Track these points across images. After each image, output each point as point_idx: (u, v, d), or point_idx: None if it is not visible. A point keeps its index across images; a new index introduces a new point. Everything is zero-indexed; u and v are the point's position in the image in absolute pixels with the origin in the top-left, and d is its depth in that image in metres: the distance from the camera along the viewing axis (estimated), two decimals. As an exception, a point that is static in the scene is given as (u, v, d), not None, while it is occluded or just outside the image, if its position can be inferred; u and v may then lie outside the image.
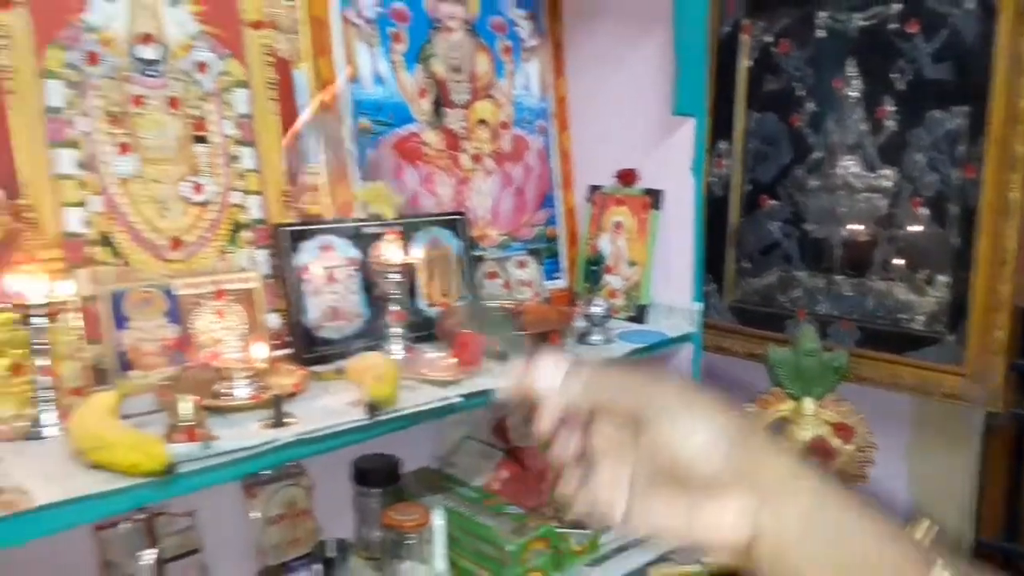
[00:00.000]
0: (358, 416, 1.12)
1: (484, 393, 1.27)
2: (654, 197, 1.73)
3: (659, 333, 1.63)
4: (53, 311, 1.05)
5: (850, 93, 1.73)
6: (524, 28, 1.82)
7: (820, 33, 1.77)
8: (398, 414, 1.15)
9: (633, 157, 1.79)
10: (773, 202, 1.88)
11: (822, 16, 1.77)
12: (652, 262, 1.71)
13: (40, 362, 1.04)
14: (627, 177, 1.79)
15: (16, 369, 1.10)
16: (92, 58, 1.20)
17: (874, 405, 1.68)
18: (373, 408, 1.12)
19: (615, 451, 0.56)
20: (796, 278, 1.85)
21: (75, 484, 0.90)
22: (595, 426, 0.57)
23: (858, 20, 1.71)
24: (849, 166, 1.75)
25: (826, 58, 1.76)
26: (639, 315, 1.71)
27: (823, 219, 1.80)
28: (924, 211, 1.63)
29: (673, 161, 1.70)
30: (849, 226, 1.76)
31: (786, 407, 1.71)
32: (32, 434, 1.04)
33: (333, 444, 1.10)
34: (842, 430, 1.67)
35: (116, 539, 1.29)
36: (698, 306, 1.69)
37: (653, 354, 1.61)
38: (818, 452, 1.63)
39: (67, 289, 1.08)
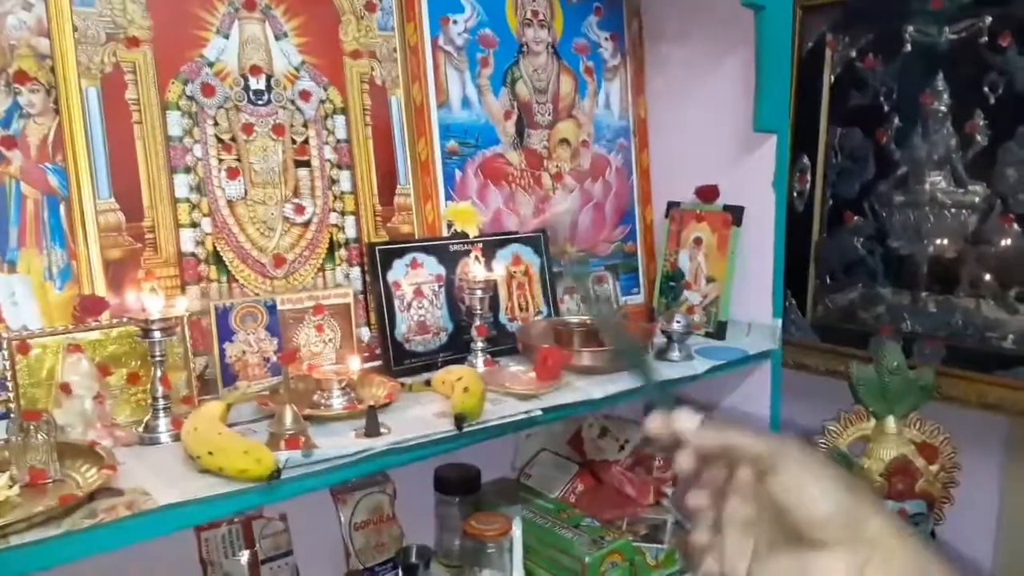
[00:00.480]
0: (446, 427, 1.18)
1: (563, 407, 1.31)
2: (734, 213, 1.73)
3: (738, 350, 1.63)
4: (169, 326, 1.14)
5: (938, 107, 1.71)
6: (606, 49, 1.86)
7: (907, 47, 1.75)
8: (483, 426, 1.21)
9: (713, 173, 1.81)
10: (857, 218, 1.86)
11: (910, 30, 1.75)
12: (732, 278, 1.72)
13: (157, 373, 1.14)
14: (707, 193, 1.80)
15: (133, 379, 1.20)
16: (207, 90, 1.31)
17: (965, 426, 1.65)
18: (461, 420, 1.17)
19: (743, 521, 0.63)
20: (880, 295, 1.83)
21: (190, 487, 0.98)
22: (728, 497, 0.64)
23: (947, 33, 1.69)
24: (937, 181, 1.72)
25: (913, 72, 1.74)
26: (718, 331, 1.72)
27: (908, 235, 1.78)
28: (1016, 227, 1.59)
29: (754, 177, 1.70)
30: (936, 242, 1.73)
31: (868, 426, 1.69)
32: (148, 439, 1.13)
33: (423, 453, 1.16)
34: (926, 450, 1.64)
35: (216, 539, 1.39)
36: (778, 323, 1.69)
37: (732, 371, 1.62)
38: (901, 472, 1.61)
39: (181, 305, 1.17)
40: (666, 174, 1.94)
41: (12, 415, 1.10)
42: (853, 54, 1.83)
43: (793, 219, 1.91)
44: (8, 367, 1.10)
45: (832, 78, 1.89)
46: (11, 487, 0.95)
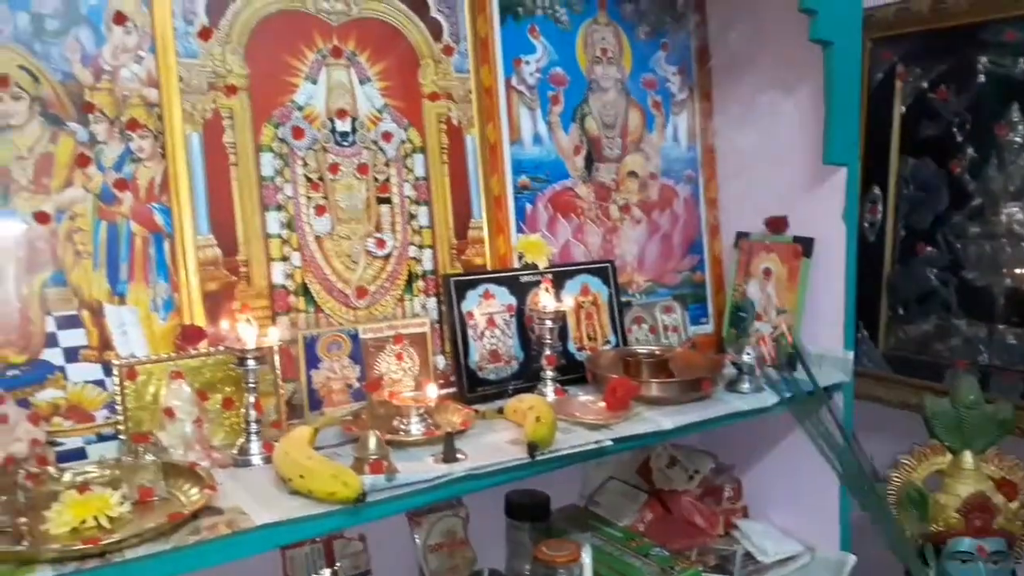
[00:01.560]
0: (520, 455, 1.22)
1: (634, 438, 1.34)
2: (804, 245, 1.74)
3: (806, 381, 1.63)
4: (263, 354, 1.22)
5: (1014, 138, 1.69)
6: (674, 83, 1.90)
7: (981, 78, 1.74)
8: (556, 455, 1.25)
9: (781, 204, 1.81)
10: (930, 249, 1.84)
11: (983, 61, 1.73)
12: (802, 309, 1.72)
13: (251, 398, 1.22)
14: (777, 224, 1.81)
15: (227, 404, 1.28)
16: (298, 133, 1.39)
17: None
18: (533, 448, 1.21)
19: None
20: (955, 326, 1.80)
21: (282, 508, 1.05)
22: None
23: (1022, 64, 1.67)
24: (1013, 212, 1.70)
25: (988, 103, 1.72)
26: (789, 363, 1.71)
27: (984, 267, 1.75)
28: (1098, 260, 1.56)
29: (823, 209, 1.71)
30: (1014, 273, 1.70)
31: (943, 460, 1.66)
32: (241, 461, 1.21)
33: (498, 480, 1.20)
34: (1005, 486, 1.60)
35: (300, 558, 1.45)
36: (850, 354, 1.68)
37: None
38: (978, 508, 1.57)
39: (274, 335, 1.25)
40: (734, 205, 1.95)
41: (121, 436, 1.19)
42: (925, 85, 1.82)
43: (864, 250, 1.90)
44: (119, 391, 1.19)
45: (903, 109, 1.88)
46: (123, 504, 1.03)
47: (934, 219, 1.83)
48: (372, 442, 1.15)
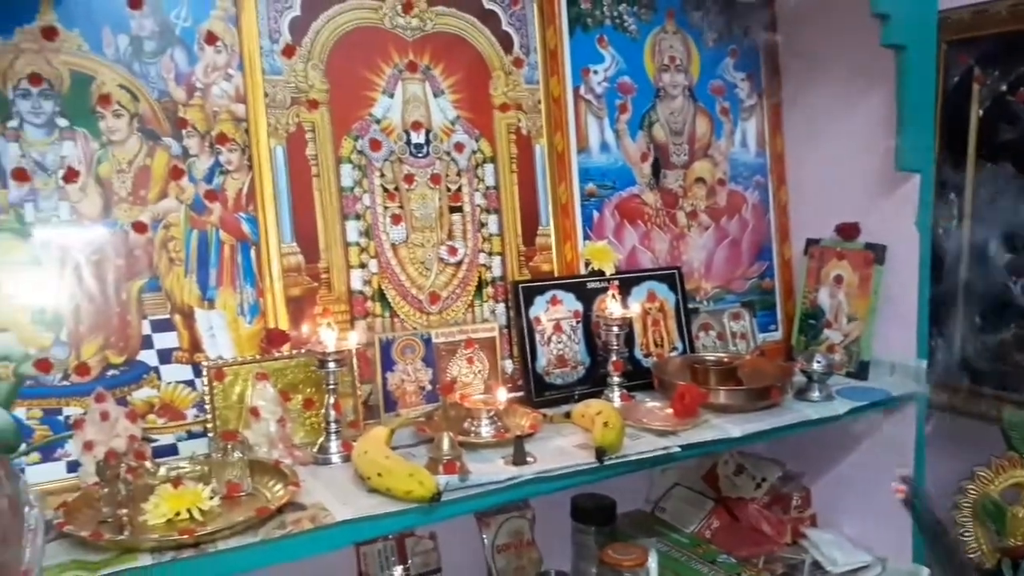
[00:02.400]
0: (587, 459, 1.24)
1: (701, 444, 1.35)
2: (876, 252, 1.71)
3: (881, 391, 1.61)
4: (343, 357, 1.27)
5: (1100, 142, 1.63)
6: (743, 89, 1.89)
7: (1064, 80, 1.69)
8: (623, 460, 1.26)
9: (853, 211, 1.79)
10: (1008, 255, 1.79)
11: (1066, 63, 1.68)
12: (874, 317, 1.70)
13: (331, 400, 1.27)
14: (848, 231, 1.79)
15: (308, 404, 1.34)
16: (375, 145, 1.45)
17: None
18: (601, 453, 1.23)
19: None
20: (1035, 336, 1.75)
21: (361, 505, 1.09)
22: None
23: (1109, 65, 1.62)
24: (1097, 219, 1.64)
25: (1072, 106, 1.67)
26: (860, 371, 1.70)
27: (1068, 275, 1.70)
28: None
29: (896, 215, 1.68)
30: (1100, 282, 1.64)
31: (1022, 473, 1.62)
32: (321, 460, 1.26)
33: (566, 483, 1.23)
34: (1089, 502, 1.55)
35: (374, 554, 1.50)
36: (923, 363, 1.65)
37: (875, 412, 1.60)
38: (1061, 525, 1.53)
39: (353, 339, 1.31)
40: (805, 211, 1.93)
41: (209, 434, 1.26)
42: (1003, 88, 1.78)
43: (939, 257, 1.86)
44: (207, 391, 1.26)
45: (980, 112, 1.83)
46: (213, 498, 1.10)
47: (1012, 225, 1.78)
48: (446, 443, 1.19)
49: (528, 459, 1.24)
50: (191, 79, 1.30)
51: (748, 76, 1.91)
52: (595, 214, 1.70)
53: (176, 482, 1.11)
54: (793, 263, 1.95)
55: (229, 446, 1.14)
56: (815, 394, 1.55)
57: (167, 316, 1.27)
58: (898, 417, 1.67)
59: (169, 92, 1.28)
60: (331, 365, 1.26)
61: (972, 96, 1.83)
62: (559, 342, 1.59)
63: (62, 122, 1.21)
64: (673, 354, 1.71)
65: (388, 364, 1.42)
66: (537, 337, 1.57)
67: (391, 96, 1.47)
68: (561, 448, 1.31)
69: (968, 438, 1.75)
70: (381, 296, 1.45)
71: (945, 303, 1.87)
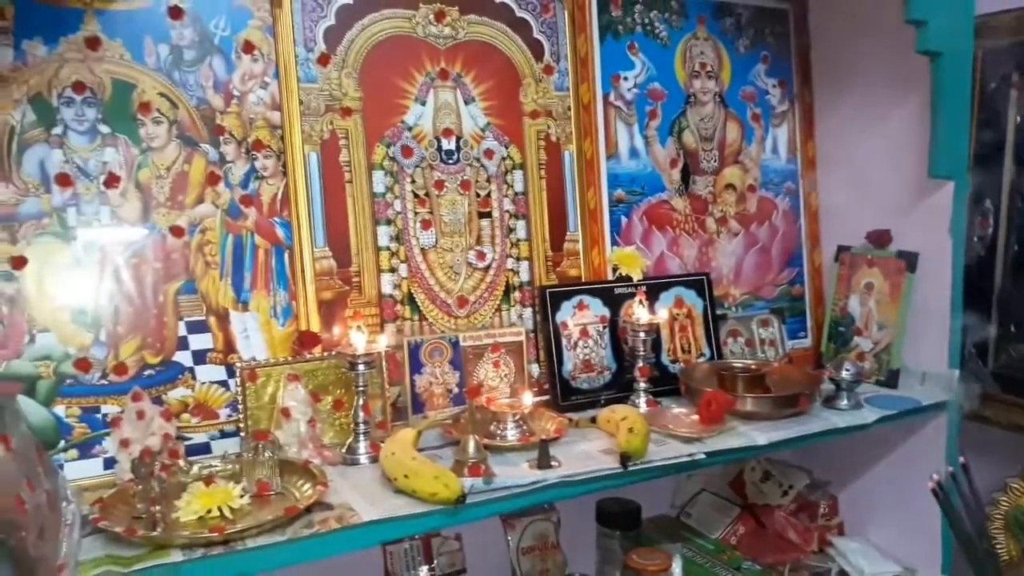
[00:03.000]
0: (612, 464, 1.25)
1: (727, 452, 1.35)
2: (908, 259, 1.70)
3: (911, 400, 1.60)
4: (372, 360, 1.29)
5: None
6: (774, 95, 1.89)
7: (1106, 86, 1.66)
8: (648, 466, 1.27)
9: (885, 218, 1.77)
10: (1046, 265, 1.76)
11: (1107, 69, 1.65)
12: (905, 325, 1.68)
13: (360, 402, 1.30)
14: (880, 238, 1.77)
15: (338, 405, 1.37)
16: (407, 151, 1.48)
17: None
18: (626, 459, 1.24)
19: None
20: (1072, 347, 1.72)
21: (388, 506, 1.12)
22: None
23: None
24: None
25: (1113, 113, 1.64)
26: (890, 380, 1.68)
27: (1105, 284, 1.66)
28: None
29: (929, 223, 1.66)
30: None
31: (1057, 487, 1.60)
32: (350, 460, 1.29)
33: (591, 488, 1.24)
34: (1125, 517, 1.52)
35: (399, 553, 1.52)
36: (955, 372, 1.64)
37: (905, 422, 1.58)
38: (1097, 540, 1.51)
39: (382, 342, 1.33)
40: (836, 218, 1.92)
41: (242, 433, 1.29)
42: (1043, 94, 1.75)
43: (973, 264, 1.84)
44: (240, 391, 1.29)
45: (1018, 119, 1.80)
46: (243, 496, 1.13)
47: (1051, 234, 1.75)
48: (471, 446, 1.20)
49: (553, 463, 1.25)
50: (228, 87, 1.33)
51: (780, 82, 1.90)
52: (623, 220, 1.70)
53: (208, 480, 1.14)
54: (823, 270, 1.94)
55: (260, 446, 1.17)
56: (843, 402, 1.54)
57: (202, 318, 1.31)
58: (929, 426, 1.65)
59: (207, 100, 1.32)
60: (360, 367, 1.28)
61: (1010, 102, 1.80)
62: (585, 347, 1.60)
63: (104, 129, 1.25)
64: (700, 360, 1.71)
65: (416, 367, 1.44)
66: (564, 342, 1.58)
67: (423, 103, 1.49)
68: (586, 452, 1.32)
69: (1001, 450, 1.73)
70: (411, 300, 1.48)
71: (978, 311, 1.85)
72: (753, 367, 1.61)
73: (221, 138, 1.32)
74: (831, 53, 1.90)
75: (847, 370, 1.56)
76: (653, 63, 1.73)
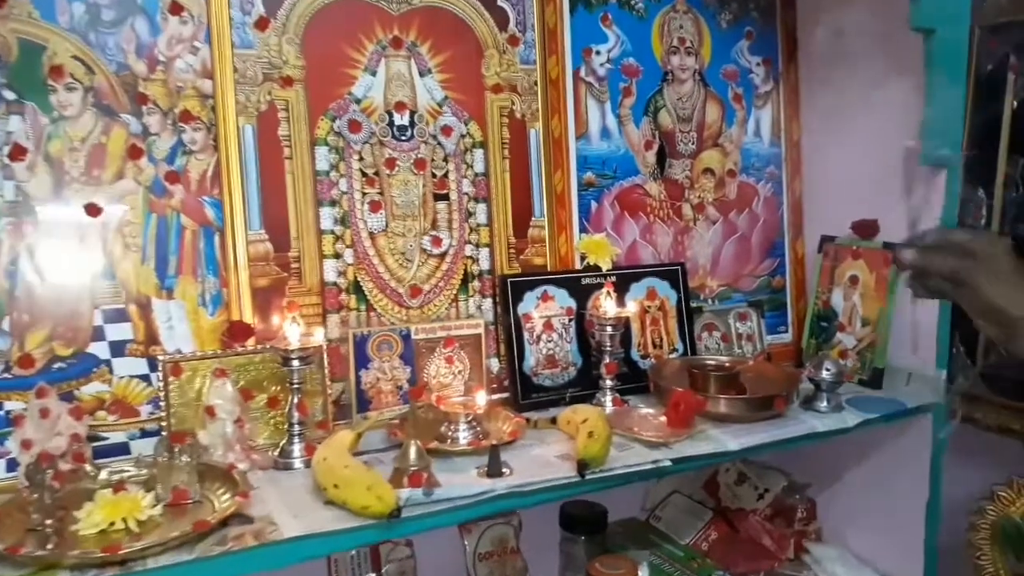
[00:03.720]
0: (568, 472, 1.15)
1: (694, 458, 1.25)
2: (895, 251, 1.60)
3: (896, 401, 1.50)
4: (308, 355, 1.18)
5: None
6: (758, 74, 1.78)
7: (1108, 70, 1.55)
8: (607, 474, 1.17)
9: (872, 207, 1.67)
10: (1041, 259, 1.66)
11: (1111, 52, 1.55)
12: (891, 322, 1.59)
13: (294, 400, 1.18)
14: (866, 229, 1.67)
15: (272, 402, 1.26)
16: (354, 126, 1.35)
17: None
18: (583, 467, 1.14)
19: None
20: (1066, 346, 1.62)
21: (315, 519, 1.01)
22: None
23: None
24: None
25: (1115, 98, 1.54)
26: (873, 380, 1.58)
27: (1104, 281, 1.57)
28: None
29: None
30: None
31: (1047, 495, 1.51)
32: (282, 464, 1.18)
33: (543, 498, 1.14)
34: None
35: (345, 561, 1.42)
36: (943, 374, 1.54)
37: (888, 425, 1.49)
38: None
39: (319, 335, 1.21)
40: (820, 206, 1.82)
41: (163, 433, 1.17)
42: (1042, 78, 1.64)
43: (964, 258, 1.73)
44: (162, 387, 1.18)
45: (1015, 104, 1.70)
46: (155, 506, 1.01)
47: (1047, 226, 1.66)
48: (413, 452, 1.10)
49: (504, 470, 1.15)
50: (153, 51, 1.21)
51: (764, 61, 1.78)
52: (593, 205, 1.59)
53: (117, 487, 1.03)
54: (806, 261, 1.83)
55: (177, 449, 1.06)
56: (823, 404, 1.44)
57: (121, 306, 1.19)
58: (913, 428, 1.56)
59: (128, 65, 1.19)
60: (295, 363, 1.17)
61: (1007, 86, 1.70)
62: (549, 341, 1.49)
63: (8, 95, 1.12)
64: (672, 356, 1.61)
65: (363, 361, 1.33)
66: (526, 335, 1.47)
67: (373, 74, 1.37)
68: (542, 458, 1.22)
69: (989, 453, 1.65)
70: (357, 288, 1.36)
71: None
72: (727, 365, 1.51)
73: (144, 108, 1.20)
74: (820, 29, 1.78)
75: (827, 370, 1.45)
76: (628, 37, 1.61)
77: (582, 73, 1.56)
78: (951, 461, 1.56)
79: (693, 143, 1.71)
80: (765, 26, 1.78)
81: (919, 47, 1.46)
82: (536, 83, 1.51)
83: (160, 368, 1.18)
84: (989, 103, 1.72)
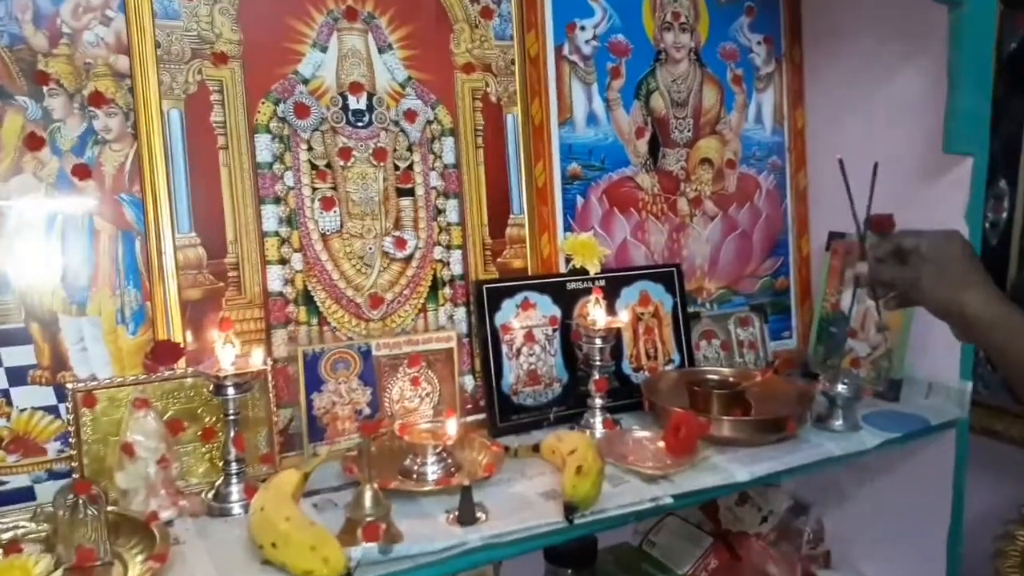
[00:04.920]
0: (554, 516, 0.99)
1: (699, 492, 1.09)
2: (914, 250, 1.44)
3: (917, 417, 1.35)
4: (245, 381, 1.00)
5: None
6: (759, 54, 1.61)
7: None
8: (599, 517, 1.01)
9: (887, 200, 1.50)
10: (1068, 255, 1.52)
11: None
12: (909, 328, 1.44)
13: (230, 434, 1.01)
14: (881, 224, 1.50)
15: (208, 435, 1.08)
16: (301, 110, 1.17)
17: None
18: (571, 510, 0.98)
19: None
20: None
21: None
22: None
23: None
24: None
25: None
26: (890, 391, 1.44)
27: None
28: None
29: (940, 206, 1.42)
30: None
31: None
32: (218, 510, 1.00)
33: (524, 548, 0.97)
34: None
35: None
36: (968, 385, 1.39)
37: (910, 445, 1.34)
38: None
39: (257, 358, 1.03)
40: (828, 199, 1.66)
41: (75, 475, 0.99)
42: (1072, 57, 1.49)
43: (985, 254, 1.59)
44: (72, 421, 0.99)
45: (1041, 86, 1.55)
46: (53, 571, 0.83)
47: (1076, 220, 1.51)
48: (368, 499, 0.92)
49: (478, 515, 0.98)
50: (56, 22, 1.02)
51: (766, 39, 1.62)
52: (579, 200, 1.42)
53: (10, 547, 0.85)
54: (812, 260, 1.68)
55: (81, 500, 0.88)
56: (838, 422, 1.30)
57: (20, 325, 1.00)
58: (933, 443, 1.41)
59: (24, 37, 1.00)
60: (230, 391, 0.99)
61: (1032, 66, 1.55)
62: (531, 354, 1.32)
63: None
64: (668, 368, 1.45)
65: (315, 383, 1.15)
66: (504, 349, 1.30)
67: (323, 50, 1.19)
68: (522, 497, 1.05)
69: (1014, 468, 1.50)
70: (307, 299, 1.18)
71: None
72: (731, 380, 1.35)
73: (45, 89, 1.01)
74: (827, 4, 1.61)
75: (844, 383, 1.30)
76: (616, 10, 1.45)
77: (565, 51, 1.40)
78: (974, 476, 1.42)
79: (689, 130, 1.54)
80: (767, 1, 1.61)
81: (941, 22, 1.32)
82: (513, 62, 1.35)
83: (70, 398, 1.00)
84: (1013, 85, 1.57)
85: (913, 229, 1.08)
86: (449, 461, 1.10)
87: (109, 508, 0.92)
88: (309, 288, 1.18)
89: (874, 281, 1.04)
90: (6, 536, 0.89)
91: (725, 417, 1.23)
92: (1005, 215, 1.61)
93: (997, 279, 1.59)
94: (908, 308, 1.06)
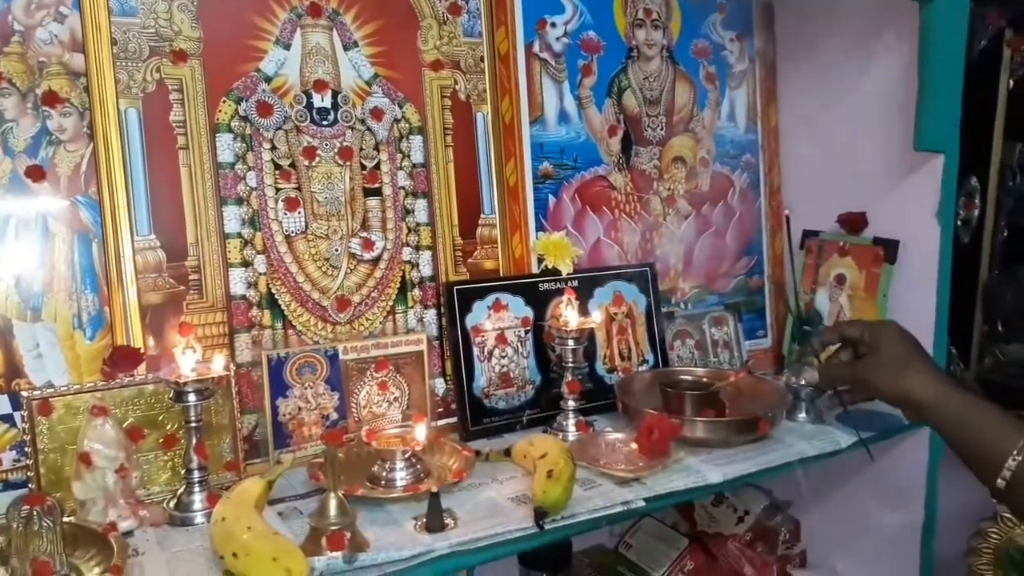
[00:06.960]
0: (524, 521, 0.97)
1: (672, 495, 1.08)
2: (887, 248, 1.45)
3: (888, 415, 1.34)
4: (206, 386, 0.98)
5: None
6: (732, 51, 1.60)
7: (1114, 46, 1.41)
8: (570, 522, 0.99)
9: (860, 198, 1.53)
10: (1039, 253, 1.53)
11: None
12: (883, 326, 1.43)
13: (192, 441, 0.98)
14: (853, 222, 1.52)
15: (169, 442, 1.05)
16: (264, 109, 1.15)
17: None
18: (542, 516, 0.96)
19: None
20: (1067, 348, 1.49)
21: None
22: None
23: None
24: None
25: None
26: (860, 390, 1.43)
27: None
28: None
29: (911, 204, 1.43)
30: None
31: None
32: (179, 520, 0.98)
33: (494, 554, 0.95)
34: None
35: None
36: (939, 383, 1.39)
37: (884, 444, 1.34)
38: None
39: (219, 364, 1.01)
40: (801, 197, 1.66)
41: (31, 485, 0.96)
42: (1041, 55, 1.50)
43: (956, 253, 1.59)
44: (27, 430, 0.96)
45: (1011, 84, 1.56)
46: (5, 586, 0.80)
47: (1046, 217, 1.52)
48: (333, 507, 0.90)
49: (447, 521, 0.96)
50: (6, 19, 0.99)
51: (738, 35, 1.62)
52: (551, 199, 1.41)
53: (-40, 563, 0.82)
54: (786, 259, 1.67)
55: (35, 512, 0.85)
56: (802, 415, 1.33)
57: (-29, 331, 0.97)
58: (908, 442, 1.41)
59: (-26, 34, 0.97)
60: (191, 397, 0.97)
61: (1003, 64, 1.56)
62: (503, 357, 1.31)
63: None
64: (642, 369, 1.43)
65: (280, 388, 1.13)
66: (475, 351, 1.28)
67: (286, 47, 1.16)
68: (493, 503, 1.03)
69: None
70: (271, 302, 1.16)
71: (962, 307, 1.61)
72: (705, 380, 1.34)
73: (-4, 88, 0.98)
74: (799, 1, 1.61)
75: (805, 377, 1.29)
76: (587, 7, 1.43)
77: (536, 48, 1.38)
78: (947, 477, 1.42)
79: (662, 128, 1.53)
80: (740, -2, 1.61)
81: (913, 19, 1.32)
82: (483, 59, 1.33)
83: (25, 406, 0.97)
84: (983, 82, 1.58)
85: (850, 320, 1.19)
86: (418, 466, 1.08)
87: (66, 519, 0.89)
88: (273, 291, 1.16)
89: (826, 385, 1.07)
90: (-45, 551, 0.86)
91: (698, 418, 1.21)
92: (977, 212, 1.61)
93: (969, 278, 1.61)
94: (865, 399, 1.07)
